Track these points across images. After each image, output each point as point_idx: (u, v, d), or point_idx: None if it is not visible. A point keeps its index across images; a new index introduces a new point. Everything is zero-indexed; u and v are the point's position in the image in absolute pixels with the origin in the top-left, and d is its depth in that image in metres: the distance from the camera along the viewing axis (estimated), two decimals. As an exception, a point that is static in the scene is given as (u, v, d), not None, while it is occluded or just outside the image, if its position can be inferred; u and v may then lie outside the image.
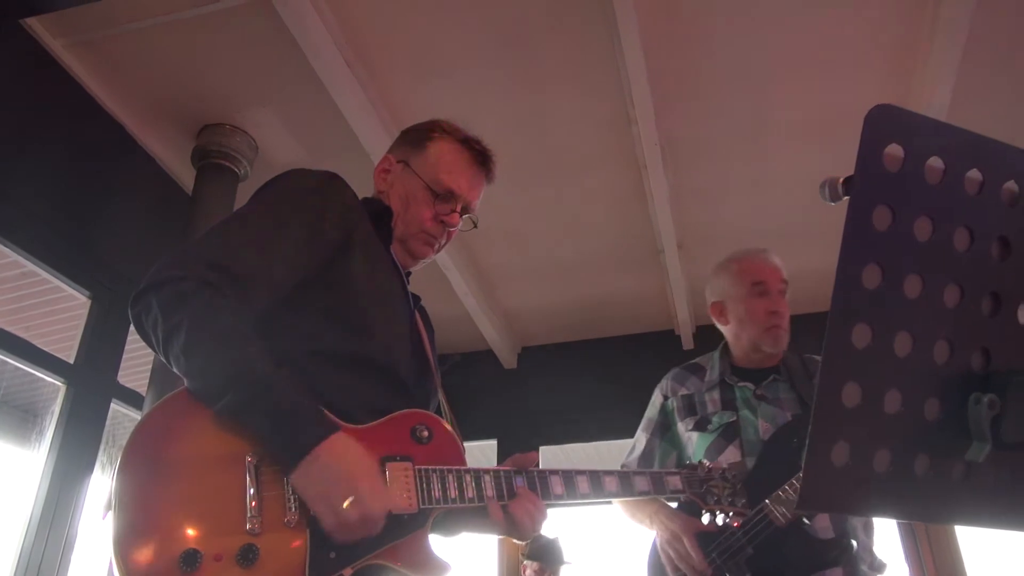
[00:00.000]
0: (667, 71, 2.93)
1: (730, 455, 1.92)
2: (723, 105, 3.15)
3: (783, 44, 2.88)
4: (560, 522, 4.70)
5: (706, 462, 1.55)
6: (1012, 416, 0.72)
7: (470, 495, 1.22)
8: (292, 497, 1.08)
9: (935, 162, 0.73)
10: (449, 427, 1.29)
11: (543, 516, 1.27)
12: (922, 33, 2.78)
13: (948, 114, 2.92)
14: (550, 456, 4.89)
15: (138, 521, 1.00)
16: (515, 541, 3.73)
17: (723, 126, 3.26)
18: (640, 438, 2.18)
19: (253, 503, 1.05)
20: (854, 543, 1.76)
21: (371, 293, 1.31)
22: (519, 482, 1.28)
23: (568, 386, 4.69)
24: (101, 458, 2.97)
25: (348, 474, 1.07)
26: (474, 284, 4.26)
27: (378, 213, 1.43)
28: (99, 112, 3.08)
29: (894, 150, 0.72)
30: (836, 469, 0.70)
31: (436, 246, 1.50)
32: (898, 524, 1.93)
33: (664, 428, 2.14)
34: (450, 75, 2.99)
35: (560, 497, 1.31)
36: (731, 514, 1.53)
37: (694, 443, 2.03)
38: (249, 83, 3.03)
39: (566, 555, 3.77)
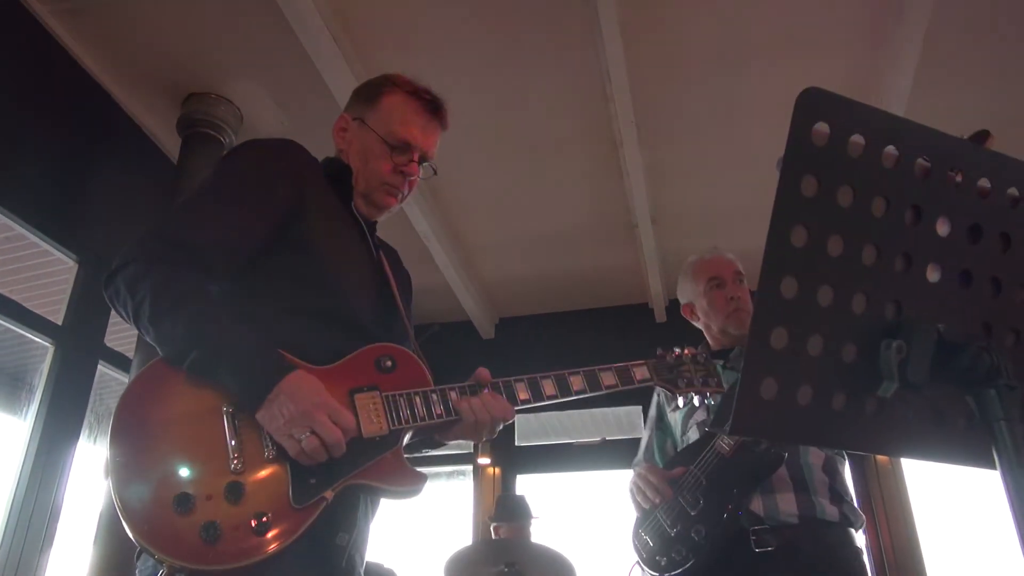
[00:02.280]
0: (643, 50, 3.02)
1: (699, 416, 2.10)
2: (698, 84, 3.25)
3: (757, 26, 2.98)
4: (531, 487, 4.84)
5: (676, 350, 1.54)
6: (916, 359, 0.83)
7: (438, 412, 1.30)
8: (268, 435, 1.17)
9: (857, 139, 0.84)
10: (413, 354, 1.36)
11: (506, 413, 1.34)
12: (888, 21, 2.90)
13: (908, 100, 3.05)
14: (524, 424, 5.02)
15: (133, 476, 1.10)
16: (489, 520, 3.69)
17: (698, 105, 3.36)
18: (644, 435, 2.38)
19: (233, 445, 1.15)
20: (785, 454, 1.89)
21: (328, 249, 1.39)
22: (485, 391, 1.35)
23: (544, 356, 4.77)
24: (88, 418, 3.04)
25: (305, 408, 1.15)
26: (454, 256, 4.36)
27: (337, 172, 1.51)
28: (86, 79, 3.12)
29: (821, 127, 0.83)
30: (764, 401, 0.82)
31: (399, 196, 1.56)
32: (851, 468, 2.05)
33: (659, 420, 2.34)
34: (433, 51, 3.06)
35: (527, 402, 1.38)
36: (708, 394, 1.49)
37: (677, 421, 2.21)
38: (235, 53, 3.08)
39: (533, 510, 3.86)
